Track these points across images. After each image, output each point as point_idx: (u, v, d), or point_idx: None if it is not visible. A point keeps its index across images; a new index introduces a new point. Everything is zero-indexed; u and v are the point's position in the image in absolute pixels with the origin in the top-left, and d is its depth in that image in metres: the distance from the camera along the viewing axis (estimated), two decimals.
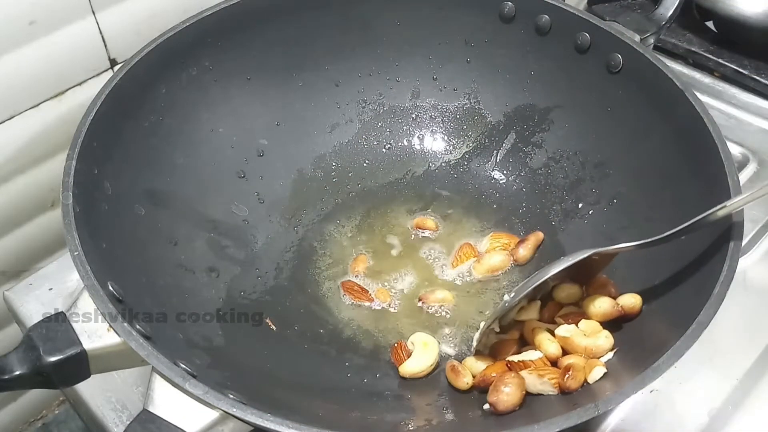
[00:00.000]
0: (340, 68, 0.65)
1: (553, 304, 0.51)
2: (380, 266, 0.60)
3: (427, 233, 0.62)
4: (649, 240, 0.46)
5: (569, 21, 0.59)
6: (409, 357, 0.52)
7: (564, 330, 0.48)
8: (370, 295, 0.57)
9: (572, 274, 0.49)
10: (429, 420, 0.47)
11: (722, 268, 0.42)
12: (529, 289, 0.48)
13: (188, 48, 0.57)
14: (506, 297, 0.49)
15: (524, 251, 0.59)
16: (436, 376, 0.51)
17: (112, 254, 0.46)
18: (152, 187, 0.54)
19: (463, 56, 0.66)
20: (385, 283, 0.58)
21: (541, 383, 0.45)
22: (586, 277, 0.51)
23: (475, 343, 0.50)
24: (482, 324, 0.51)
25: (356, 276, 0.59)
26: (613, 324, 0.48)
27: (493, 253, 0.59)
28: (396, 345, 0.54)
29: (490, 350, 0.50)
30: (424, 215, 0.63)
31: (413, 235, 0.62)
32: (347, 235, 0.62)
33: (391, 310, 0.57)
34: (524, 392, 0.45)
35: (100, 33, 0.61)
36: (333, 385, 0.51)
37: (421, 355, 0.52)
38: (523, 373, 0.46)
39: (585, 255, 0.48)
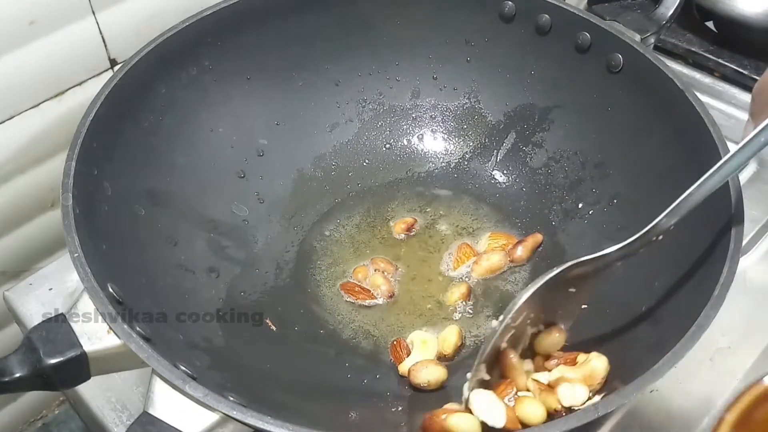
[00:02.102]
0: (340, 68, 0.65)
1: (542, 358, 0.46)
2: (381, 267, 0.59)
3: (422, 231, 0.62)
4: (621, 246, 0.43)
5: (569, 20, 0.59)
6: (408, 355, 0.52)
7: (547, 376, 0.44)
8: (372, 293, 0.57)
9: (547, 314, 0.45)
10: None
11: (722, 269, 0.41)
12: (501, 327, 0.43)
13: (188, 48, 0.57)
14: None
15: (522, 252, 0.59)
16: None
17: (112, 255, 0.46)
18: (152, 187, 0.54)
19: (463, 56, 0.65)
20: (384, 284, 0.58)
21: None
22: (567, 316, 0.46)
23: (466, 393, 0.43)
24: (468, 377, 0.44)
25: (376, 270, 0.59)
26: (609, 330, 0.47)
27: (492, 253, 0.59)
28: (395, 342, 0.54)
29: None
30: (402, 218, 0.63)
31: (412, 236, 0.62)
32: (347, 234, 0.62)
33: (390, 309, 0.57)
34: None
35: (100, 33, 0.61)
36: (333, 385, 0.51)
37: (420, 353, 0.52)
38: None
39: (550, 275, 0.43)
